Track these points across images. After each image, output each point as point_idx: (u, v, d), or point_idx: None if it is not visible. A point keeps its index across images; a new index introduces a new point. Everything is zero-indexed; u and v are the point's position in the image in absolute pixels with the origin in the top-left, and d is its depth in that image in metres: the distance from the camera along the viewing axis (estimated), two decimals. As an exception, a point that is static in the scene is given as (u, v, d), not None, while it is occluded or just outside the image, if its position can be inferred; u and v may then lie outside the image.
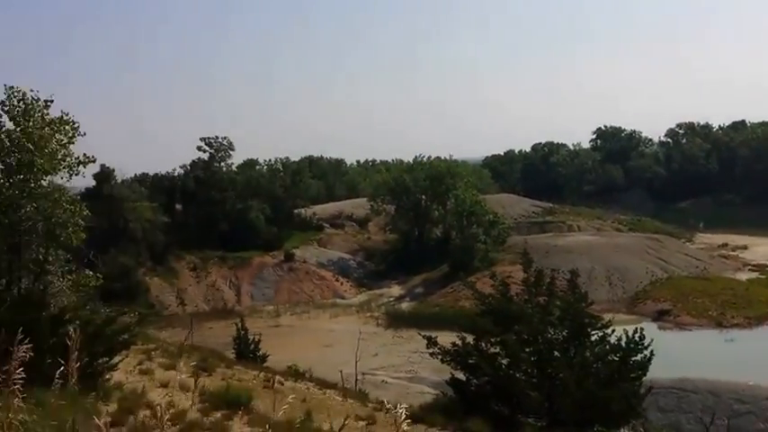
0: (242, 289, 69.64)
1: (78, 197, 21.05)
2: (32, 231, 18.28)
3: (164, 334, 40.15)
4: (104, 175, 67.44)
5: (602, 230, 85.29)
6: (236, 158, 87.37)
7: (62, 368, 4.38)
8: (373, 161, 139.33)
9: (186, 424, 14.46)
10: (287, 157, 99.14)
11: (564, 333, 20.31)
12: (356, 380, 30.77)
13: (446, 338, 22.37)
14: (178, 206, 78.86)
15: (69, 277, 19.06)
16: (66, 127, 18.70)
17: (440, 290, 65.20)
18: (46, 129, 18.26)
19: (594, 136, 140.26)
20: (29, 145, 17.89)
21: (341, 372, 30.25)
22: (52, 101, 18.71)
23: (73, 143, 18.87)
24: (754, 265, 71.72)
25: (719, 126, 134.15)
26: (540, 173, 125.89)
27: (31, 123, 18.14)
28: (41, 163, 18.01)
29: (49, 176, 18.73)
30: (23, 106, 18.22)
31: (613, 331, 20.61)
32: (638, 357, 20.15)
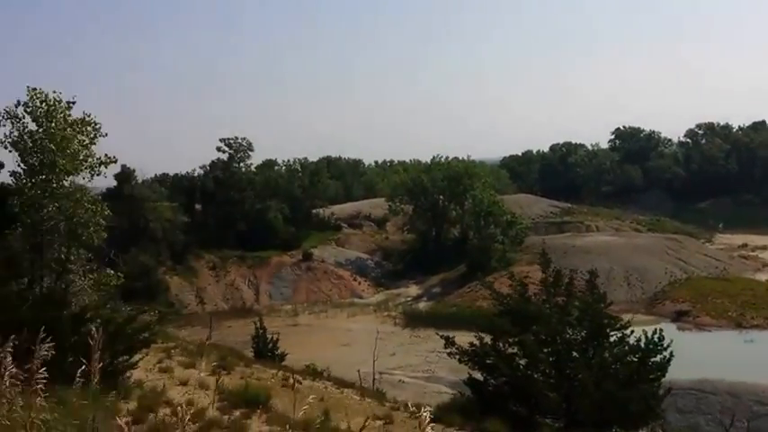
0: (260, 288, 70.00)
1: (99, 197, 21.30)
2: (54, 231, 18.52)
3: (183, 332, 40.49)
4: (125, 175, 67.98)
5: (620, 231, 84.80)
6: (255, 159, 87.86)
7: (84, 367, 4.41)
8: (391, 161, 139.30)
9: (205, 422, 14.59)
10: (305, 158, 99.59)
11: (582, 334, 20.25)
12: (374, 379, 30.81)
13: (463, 338, 22.38)
14: (198, 206, 79.45)
15: (91, 276, 19.28)
16: (88, 128, 18.94)
17: (457, 290, 65.14)
18: (68, 130, 18.50)
19: (613, 136, 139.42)
20: (51, 146, 18.13)
21: (358, 371, 30.31)
22: (74, 102, 18.97)
23: (95, 144, 19.11)
24: (774, 266, 71.10)
25: (739, 126, 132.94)
26: (558, 173, 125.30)
27: (53, 124, 18.38)
28: (63, 163, 18.25)
29: (70, 177, 18.97)
30: (46, 107, 18.46)
31: (632, 332, 20.54)
32: (658, 358, 20.06)
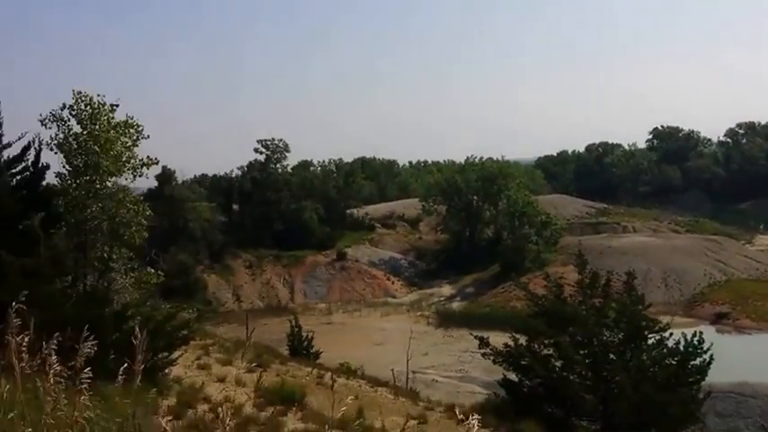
0: (295, 287, 70.59)
1: (141, 198, 21.62)
2: (98, 230, 18.91)
3: (220, 330, 40.88)
4: (166, 176, 69.09)
5: (658, 232, 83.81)
6: (291, 160, 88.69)
7: (125, 365, 4.53)
8: (425, 162, 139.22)
9: (242, 419, 14.80)
10: (340, 159, 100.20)
11: (620, 336, 20.14)
12: (407, 378, 30.87)
13: (497, 339, 22.39)
14: (235, 206, 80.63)
15: (132, 275, 19.65)
16: (131, 130, 19.30)
17: (491, 290, 65.02)
18: (111, 132, 18.86)
19: (651, 136, 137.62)
20: (95, 147, 18.50)
21: (392, 370, 30.40)
22: (118, 105, 19.34)
23: (137, 146, 19.46)
24: (816, 268, 69.62)
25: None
26: (594, 173, 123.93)
27: (97, 127, 18.75)
28: (107, 165, 18.62)
29: (113, 178, 19.33)
30: (90, 110, 18.83)
31: (671, 335, 20.38)
32: (697, 362, 19.88)
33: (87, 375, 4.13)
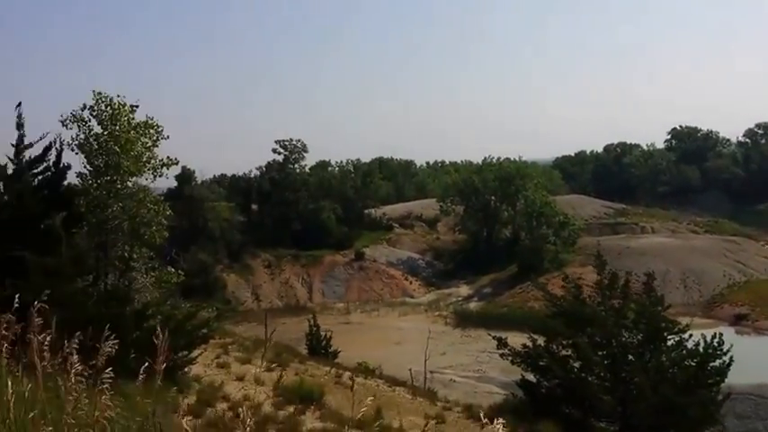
0: (314, 286, 70.86)
1: (161, 197, 21.74)
2: (118, 230, 19.05)
3: (239, 328, 41.08)
4: (185, 176, 69.60)
5: (677, 232, 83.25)
6: (309, 160, 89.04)
7: (146, 364, 4.56)
8: (442, 162, 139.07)
9: (261, 418, 14.89)
10: (358, 159, 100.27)
11: (639, 337, 20.08)
12: (425, 378, 30.88)
13: (515, 339, 22.38)
14: (254, 206, 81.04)
15: (153, 274, 19.77)
16: (151, 130, 19.43)
17: (508, 290, 64.90)
18: (132, 132, 18.98)
19: (669, 136, 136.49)
20: (116, 148, 18.64)
21: (410, 370, 30.43)
22: (138, 106, 19.47)
23: (157, 146, 19.59)
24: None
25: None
26: (613, 174, 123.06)
27: (117, 127, 18.87)
28: (127, 165, 18.74)
29: (134, 178, 19.44)
30: (111, 111, 18.97)
31: (690, 336, 20.27)
32: (717, 363, 19.77)
33: (109, 375, 4.14)
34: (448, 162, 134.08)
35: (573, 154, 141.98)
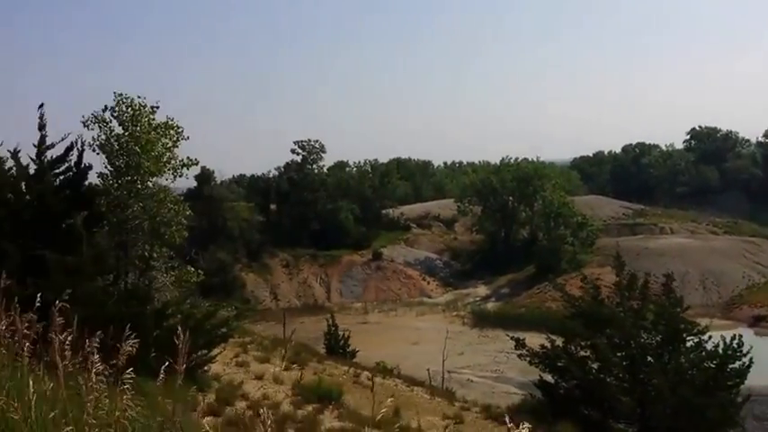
0: (331, 286, 71.09)
1: (181, 197, 21.91)
2: (139, 229, 19.22)
3: (258, 327, 41.28)
4: (205, 176, 70.06)
5: (696, 233, 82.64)
6: (328, 160, 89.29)
7: (167, 363, 4.59)
8: (460, 163, 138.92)
9: (280, 416, 14.98)
10: (375, 159, 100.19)
11: (658, 338, 19.98)
12: (443, 378, 30.87)
13: (532, 340, 22.34)
14: (273, 206, 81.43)
15: (172, 273, 19.93)
16: (171, 131, 19.59)
17: (526, 291, 64.78)
18: (152, 133, 19.15)
19: (688, 136, 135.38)
20: (136, 148, 18.81)
21: (428, 370, 30.44)
22: (158, 107, 19.64)
23: (177, 146, 19.74)
24: None
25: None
26: (631, 174, 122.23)
27: (138, 128, 19.05)
28: (148, 165, 18.91)
29: (154, 178, 19.61)
30: (131, 112, 19.15)
31: (710, 337, 20.16)
32: (736, 365, 19.65)
33: (130, 375, 4.18)
34: (465, 162, 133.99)
35: (591, 154, 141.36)
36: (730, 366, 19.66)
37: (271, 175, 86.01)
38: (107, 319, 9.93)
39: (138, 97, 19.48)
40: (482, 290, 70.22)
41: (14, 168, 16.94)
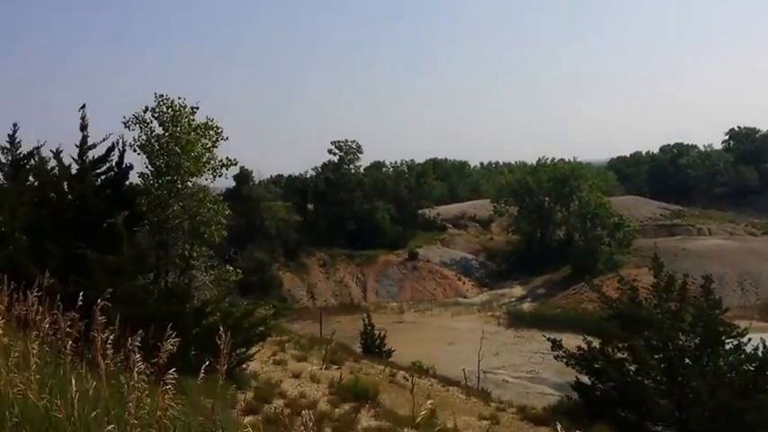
0: (368, 285, 71.31)
1: (220, 197, 22.13)
2: (179, 229, 19.45)
3: (295, 326, 41.64)
4: (243, 176, 70.80)
5: (734, 234, 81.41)
6: (365, 160, 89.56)
7: (207, 363, 4.64)
8: (496, 163, 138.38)
9: (317, 415, 15.08)
10: (412, 159, 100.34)
11: (696, 340, 19.74)
12: (478, 378, 30.80)
13: (569, 341, 22.21)
14: (310, 206, 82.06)
15: (212, 272, 20.15)
16: (211, 132, 19.81)
17: (562, 291, 64.35)
18: (192, 134, 19.37)
19: (727, 137, 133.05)
20: (176, 149, 19.03)
21: (463, 370, 30.39)
22: (198, 107, 19.87)
23: (216, 147, 19.96)
24: None
25: None
26: (669, 175, 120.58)
27: (178, 129, 19.27)
28: (188, 165, 19.11)
29: (194, 178, 19.81)
30: (172, 113, 19.39)
31: (749, 340, 19.87)
32: (777, 368, 19.35)
33: (172, 376, 4.20)
34: (502, 163, 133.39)
35: (628, 155, 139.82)
36: (770, 369, 19.35)
37: (308, 176, 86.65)
38: (148, 318, 10.10)
39: (179, 98, 19.76)
40: (518, 290, 69.97)
41: (57, 168, 17.29)
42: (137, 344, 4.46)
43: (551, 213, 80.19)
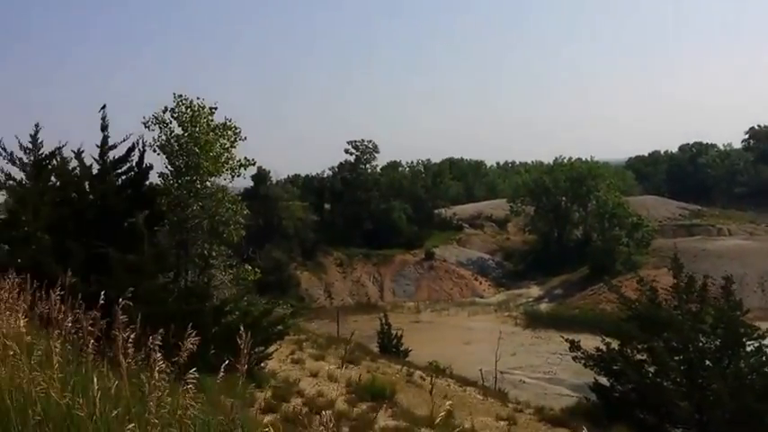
0: (384, 285, 71.33)
1: (239, 197, 22.24)
2: (198, 228, 19.58)
3: (312, 325, 41.74)
4: (261, 176, 70.98)
5: (754, 235, 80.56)
6: (381, 160, 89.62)
7: (227, 362, 4.65)
8: (513, 163, 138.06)
9: (335, 414, 15.10)
10: (428, 159, 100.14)
11: (717, 342, 19.61)
12: (495, 378, 30.75)
13: (586, 341, 22.14)
14: (327, 205, 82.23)
15: (231, 271, 20.26)
16: (229, 132, 19.91)
17: (579, 292, 63.99)
18: (211, 134, 19.48)
19: (747, 136, 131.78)
20: (195, 149, 19.17)
21: (480, 370, 30.36)
22: (216, 108, 19.98)
23: (235, 147, 20.06)
24: None
25: None
26: (688, 174, 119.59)
27: (197, 129, 19.40)
28: (207, 165, 19.24)
29: (213, 178, 19.94)
30: (191, 113, 19.51)
31: (772, 342, 19.73)
32: (798, 370, 19.18)
33: (193, 375, 4.18)
34: (518, 162, 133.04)
35: (646, 154, 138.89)
36: (792, 372, 19.18)
37: (325, 175, 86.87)
38: (168, 317, 10.19)
39: (198, 99, 19.87)
40: (535, 290, 69.69)
41: (78, 168, 17.45)
42: (157, 343, 4.45)
43: (568, 213, 79.75)
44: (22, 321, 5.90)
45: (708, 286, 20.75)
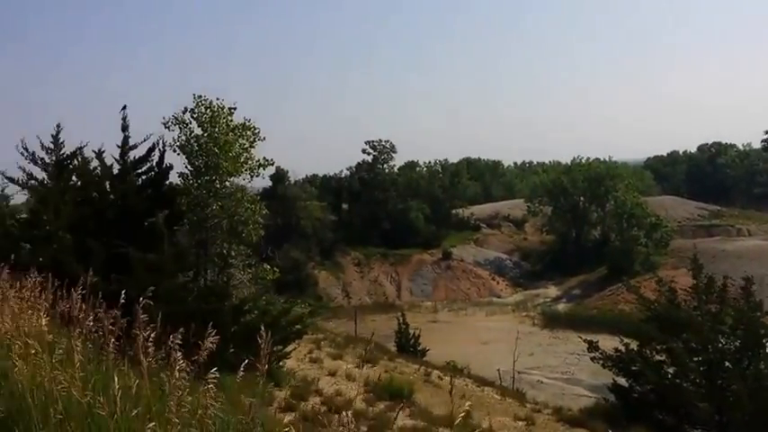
0: (402, 284, 71.35)
1: (258, 197, 22.35)
2: (217, 228, 19.69)
3: (330, 324, 41.83)
4: (279, 176, 71.21)
5: (774, 235, 79.80)
6: (398, 160, 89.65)
7: (246, 361, 4.66)
8: (530, 163, 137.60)
9: (353, 413, 15.12)
10: (446, 159, 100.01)
11: (736, 343, 19.47)
12: (513, 378, 30.70)
13: (605, 342, 22.07)
14: (344, 205, 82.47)
15: (249, 270, 20.36)
16: (248, 132, 20.00)
17: (597, 292, 63.66)
18: (230, 134, 19.59)
19: (766, 136, 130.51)
20: (215, 149, 19.28)
21: (498, 370, 30.31)
22: (235, 108, 20.09)
23: (254, 147, 20.15)
24: None
25: None
26: (707, 174, 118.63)
27: (216, 129, 19.51)
28: (226, 165, 19.34)
29: (232, 178, 20.04)
30: (210, 114, 19.63)
31: (792, 343, 19.56)
32: (818, 372, 19.01)
33: (213, 375, 4.19)
34: (536, 162, 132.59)
35: (665, 154, 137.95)
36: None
37: (342, 175, 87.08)
38: (188, 316, 10.25)
39: (217, 99, 19.98)
40: (552, 290, 69.46)
41: (99, 168, 17.61)
42: (177, 342, 4.46)
43: (586, 213, 79.42)
44: (43, 320, 5.95)
45: (727, 287, 20.60)
